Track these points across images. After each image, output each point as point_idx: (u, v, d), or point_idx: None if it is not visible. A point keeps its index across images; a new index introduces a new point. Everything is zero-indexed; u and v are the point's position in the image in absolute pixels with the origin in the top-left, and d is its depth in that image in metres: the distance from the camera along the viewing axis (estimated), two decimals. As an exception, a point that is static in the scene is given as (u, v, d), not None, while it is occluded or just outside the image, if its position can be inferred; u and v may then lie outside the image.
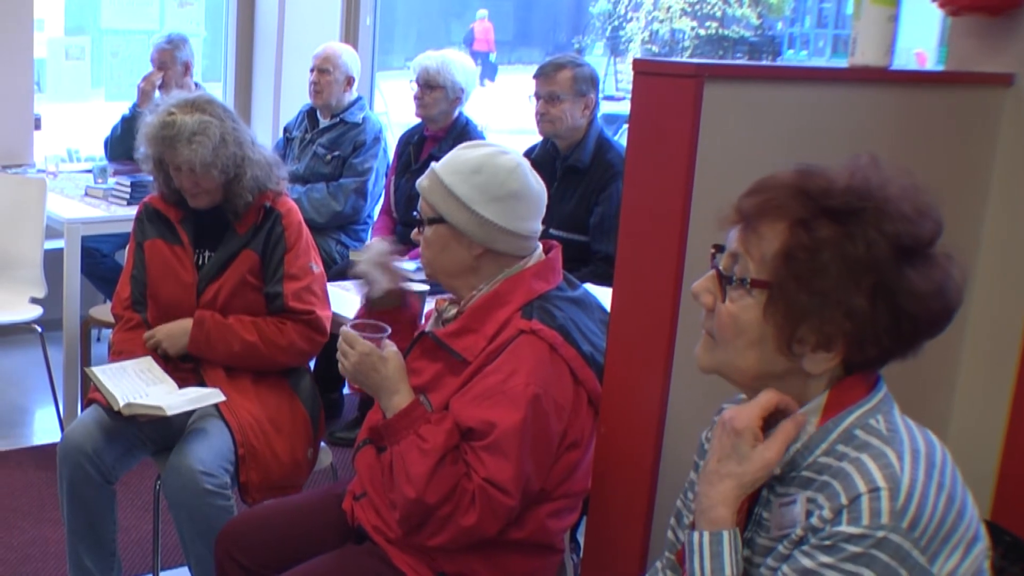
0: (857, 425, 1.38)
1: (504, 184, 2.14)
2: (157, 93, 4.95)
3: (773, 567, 1.38)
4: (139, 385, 2.70)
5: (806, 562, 1.32)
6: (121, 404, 2.60)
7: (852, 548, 1.28)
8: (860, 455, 1.34)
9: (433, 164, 2.20)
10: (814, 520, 1.32)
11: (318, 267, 2.91)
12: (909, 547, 1.27)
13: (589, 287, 2.38)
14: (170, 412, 2.60)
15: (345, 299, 3.19)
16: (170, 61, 5.10)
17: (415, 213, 2.26)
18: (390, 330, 2.20)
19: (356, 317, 2.39)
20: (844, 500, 1.30)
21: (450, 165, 2.16)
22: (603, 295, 2.25)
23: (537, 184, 2.20)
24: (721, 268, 1.44)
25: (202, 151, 2.74)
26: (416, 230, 2.23)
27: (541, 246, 2.25)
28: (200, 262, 2.87)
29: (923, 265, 1.36)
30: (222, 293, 2.82)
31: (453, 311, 2.22)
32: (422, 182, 2.19)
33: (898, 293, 1.34)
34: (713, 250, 1.48)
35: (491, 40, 14.20)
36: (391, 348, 2.16)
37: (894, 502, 1.28)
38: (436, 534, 2.05)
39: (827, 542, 1.30)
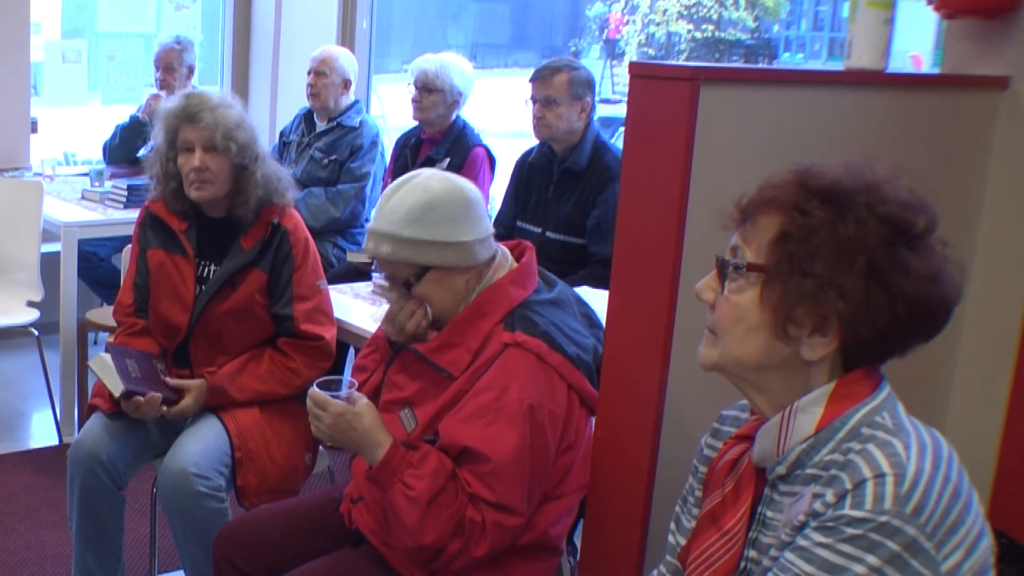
0: (864, 423, 1.38)
1: (457, 203, 2.13)
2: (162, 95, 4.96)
3: (776, 557, 1.38)
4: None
5: (801, 542, 1.32)
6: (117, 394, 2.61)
7: (851, 530, 1.28)
8: (866, 445, 1.35)
9: (375, 228, 2.14)
10: (817, 506, 1.33)
11: (325, 283, 2.86)
12: (915, 533, 1.27)
13: (586, 290, 2.38)
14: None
15: (342, 303, 3.19)
16: (176, 63, 5.10)
17: (374, 270, 2.20)
18: (357, 383, 2.17)
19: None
20: (849, 486, 1.30)
21: (399, 219, 2.10)
22: (599, 298, 2.25)
23: (467, 182, 2.20)
24: (722, 260, 1.46)
25: (224, 121, 2.70)
26: (395, 300, 2.17)
27: (507, 249, 2.24)
28: (204, 274, 2.82)
29: (920, 249, 1.38)
30: (229, 312, 2.76)
31: (434, 333, 2.19)
32: (380, 250, 2.12)
33: (892, 273, 1.35)
34: (716, 262, 1.49)
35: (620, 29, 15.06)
36: (362, 400, 2.12)
37: (899, 488, 1.28)
38: (450, 565, 2.05)
39: (829, 524, 1.30)
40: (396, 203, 2.13)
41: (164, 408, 2.70)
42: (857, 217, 1.36)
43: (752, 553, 1.46)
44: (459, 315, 2.14)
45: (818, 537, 1.30)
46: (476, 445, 2.01)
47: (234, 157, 2.72)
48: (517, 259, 2.23)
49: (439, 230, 2.10)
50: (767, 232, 1.40)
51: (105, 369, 2.66)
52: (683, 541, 1.61)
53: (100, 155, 5.36)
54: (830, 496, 1.31)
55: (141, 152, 5.20)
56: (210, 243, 2.82)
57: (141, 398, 2.65)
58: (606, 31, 14.81)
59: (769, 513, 1.45)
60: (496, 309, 2.12)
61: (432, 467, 2.02)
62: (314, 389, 2.11)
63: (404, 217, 2.11)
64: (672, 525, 1.66)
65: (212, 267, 2.82)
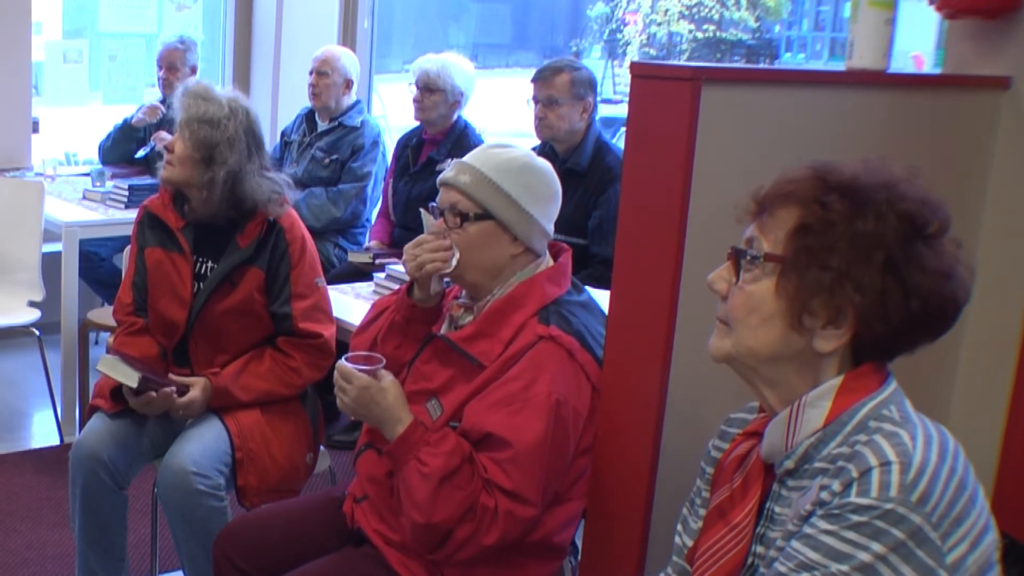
0: (871, 416, 1.39)
1: (548, 185, 2.20)
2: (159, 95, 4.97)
3: (782, 548, 1.38)
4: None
5: (807, 530, 1.33)
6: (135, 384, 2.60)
7: (856, 518, 1.28)
8: (872, 436, 1.35)
9: (466, 160, 2.18)
10: (823, 495, 1.33)
11: (323, 281, 2.86)
12: (921, 522, 1.27)
13: (588, 290, 2.38)
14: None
15: (343, 303, 3.19)
16: (180, 63, 5.11)
17: (433, 204, 2.22)
18: (384, 360, 2.18)
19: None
20: (855, 474, 1.31)
21: (493, 162, 2.16)
22: (601, 298, 2.26)
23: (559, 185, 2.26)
24: (738, 250, 1.47)
25: (196, 112, 2.72)
26: (434, 230, 2.19)
27: (548, 249, 2.26)
28: (201, 271, 2.82)
29: (934, 246, 1.40)
30: (229, 310, 2.76)
31: (468, 318, 2.21)
32: (459, 178, 2.16)
33: (908, 269, 1.37)
34: (730, 253, 1.50)
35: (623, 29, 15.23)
36: (388, 377, 2.14)
37: (904, 475, 1.28)
38: (457, 553, 2.04)
39: (835, 511, 1.30)
40: (498, 151, 2.20)
41: (176, 398, 2.70)
42: (876, 213, 1.38)
43: (759, 548, 1.46)
44: (493, 305, 2.15)
45: (823, 525, 1.31)
46: (499, 431, 2.01)
47: (188, 147, 2.73)
48: (554, 258, 2.25)
49: (520, 191, 2.14)
50: (785, 224, 1.42)
51: (115, 367, 2.65)
52: (690, 542, 1.61)
53: (96, 155, 5.37)
54: (836, 485, 1.32)
55: (140, 154, 5.22)
56: (207, 241, 2.82)
57: (154, 393, 2.65)
58: (608, 30, 14.83)
59: (777, 509, 1.45)
60: (530, 302, 2.13)
61: (449, 447, 2.03)
62: (342, 362, 2.15)
63: (500, 164, 2.16)
64: (679, 526, 1.66)
65: (209, 264, 2.82)
